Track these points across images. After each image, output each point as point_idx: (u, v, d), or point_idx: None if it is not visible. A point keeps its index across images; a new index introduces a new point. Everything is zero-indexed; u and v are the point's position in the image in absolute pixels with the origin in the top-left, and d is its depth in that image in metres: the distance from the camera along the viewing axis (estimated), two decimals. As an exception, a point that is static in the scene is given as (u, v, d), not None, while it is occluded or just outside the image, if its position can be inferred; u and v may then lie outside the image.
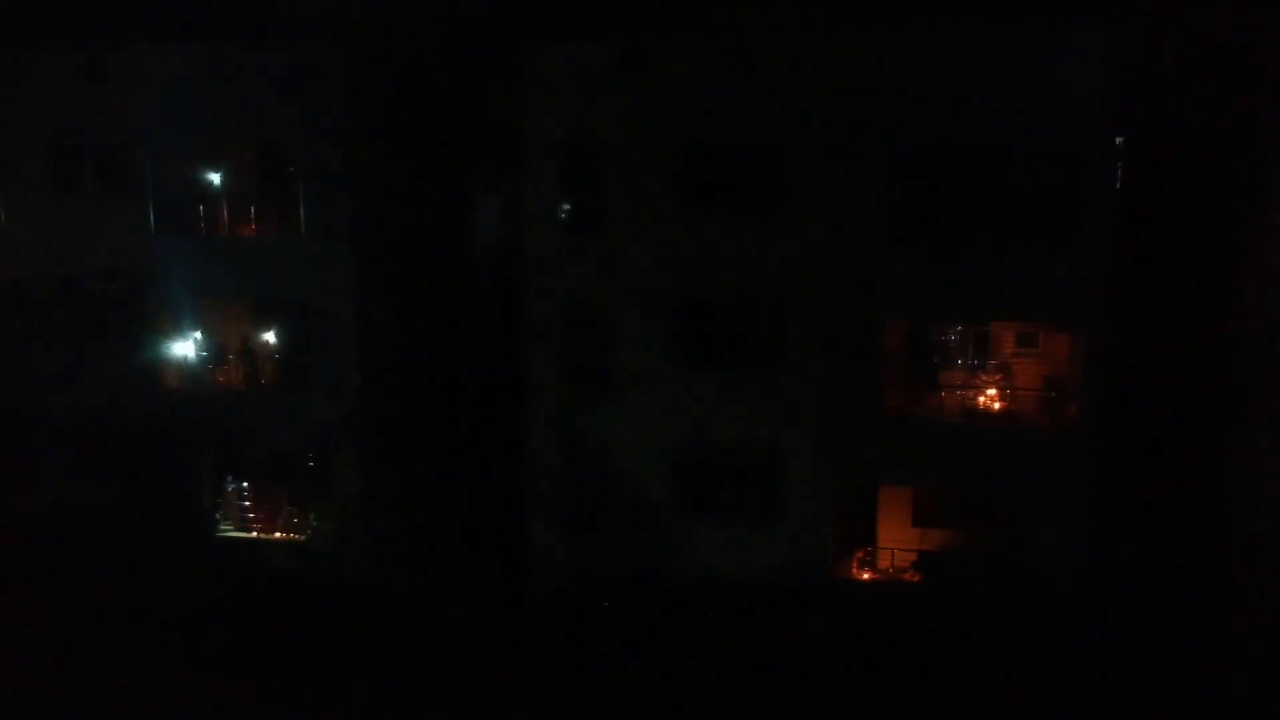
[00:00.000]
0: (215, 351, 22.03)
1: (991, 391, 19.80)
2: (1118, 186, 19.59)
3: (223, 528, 22.34)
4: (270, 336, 22.00)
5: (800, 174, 19.38)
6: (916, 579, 19.98)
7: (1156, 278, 19.00)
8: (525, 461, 21.43)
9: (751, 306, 20.11)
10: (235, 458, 22.17)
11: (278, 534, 22.09)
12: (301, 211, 20.70)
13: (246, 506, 22.32)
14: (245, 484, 22.28)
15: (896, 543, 20.86)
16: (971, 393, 20.03)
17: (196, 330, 21.73)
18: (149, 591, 21.81)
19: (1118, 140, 19.67)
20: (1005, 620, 19.26)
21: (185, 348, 21.59)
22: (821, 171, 19.23)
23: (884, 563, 20.51)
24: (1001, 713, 18.90)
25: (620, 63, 19.75)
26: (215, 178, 21.47)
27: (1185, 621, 19.23)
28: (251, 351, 22.09)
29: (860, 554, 20.62)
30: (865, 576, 20.27)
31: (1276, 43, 17.95)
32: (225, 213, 21.27)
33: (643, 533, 20.98)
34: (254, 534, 22.17)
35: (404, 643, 21.54)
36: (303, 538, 21.94)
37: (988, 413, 19.79)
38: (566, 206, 20.51)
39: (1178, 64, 18.76)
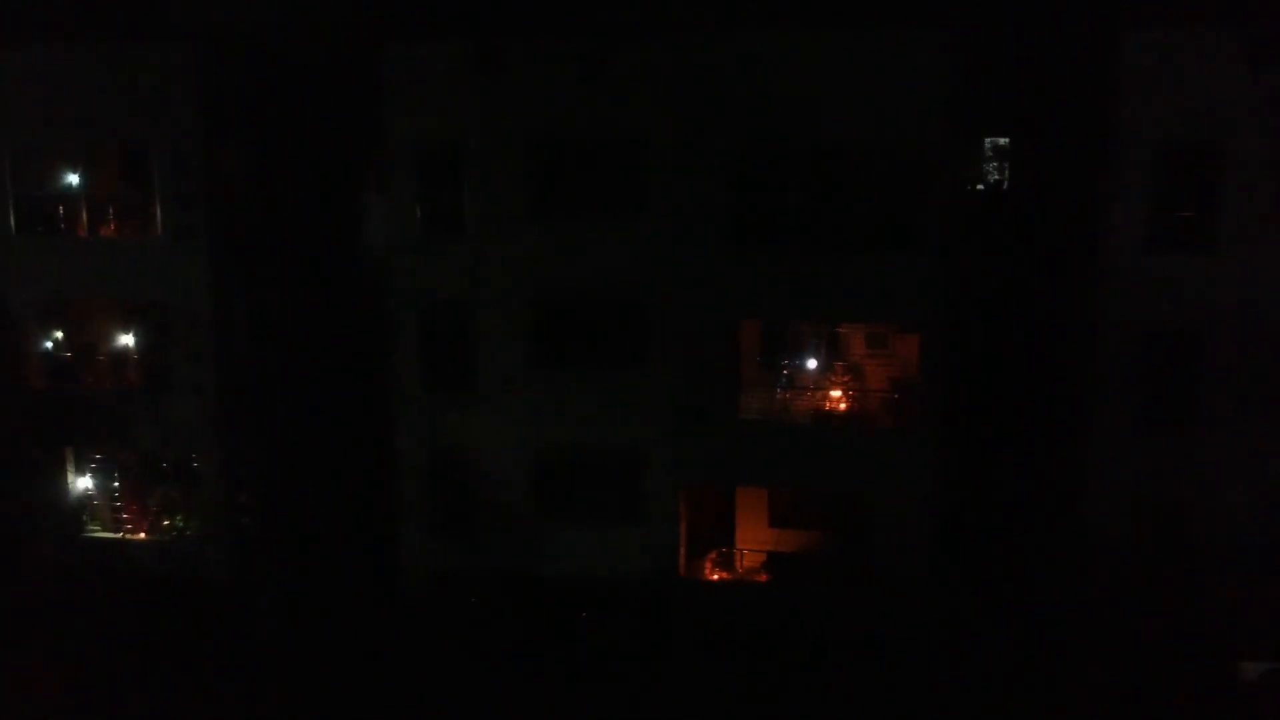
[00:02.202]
0: (79, 352, 22.00)
1: (838, 393, 19.86)
2: (980, 188, 19.74)
3: (90, 528, 22.31)
4: (133, 338, 21.96)
5: (652, 175, 19.46)
6: (765, 579, 20.03)
7: (1003, 278, 19.05)
8: (391, 463, 21.48)
9: (607, 307, 20.16)
10: (104, 458, 22.17)
11: (143, 535, 22.07)
12: (159, 212, 20.69)
13: (117, 507, 22.32)
14: (114, 485, 22.25)
15: (755, 543, 20.96)
16: (822, 394, 20.10)
17: (59, 331, 21.71)
18: (12, 590, 21.77)
19: (1002, 142, 19.89)
20: (851, 619, 19.33)
21: (48, 348, 21.56)
22: (673, 173, 19.30)
23: (739, 563, 20.57)
24: (843, 711, 18.94)
25: (476, 63, 19.80)
26: (75, 178, 21.43)
27: (1031, 617, 19.30)
28: (115, 352, 22.07)
29: (714, 554, 20.67)
30: (716, 577, 20.31)
31: (1120, 43, 18.04)
32: (85, 213, 21.23)
33: (508, 534, 21.03)
34: (121, 535, 22.14)
35: (263, 644, 21.54)
36: (168, 539, 21.93)
37: (838, 414, 19.86)
38: (426, 207, 20.53)
39: (1023, 65, 18.83)
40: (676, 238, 19.46)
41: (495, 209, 20.17)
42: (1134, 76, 17.91)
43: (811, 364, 20.49)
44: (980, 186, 19.92)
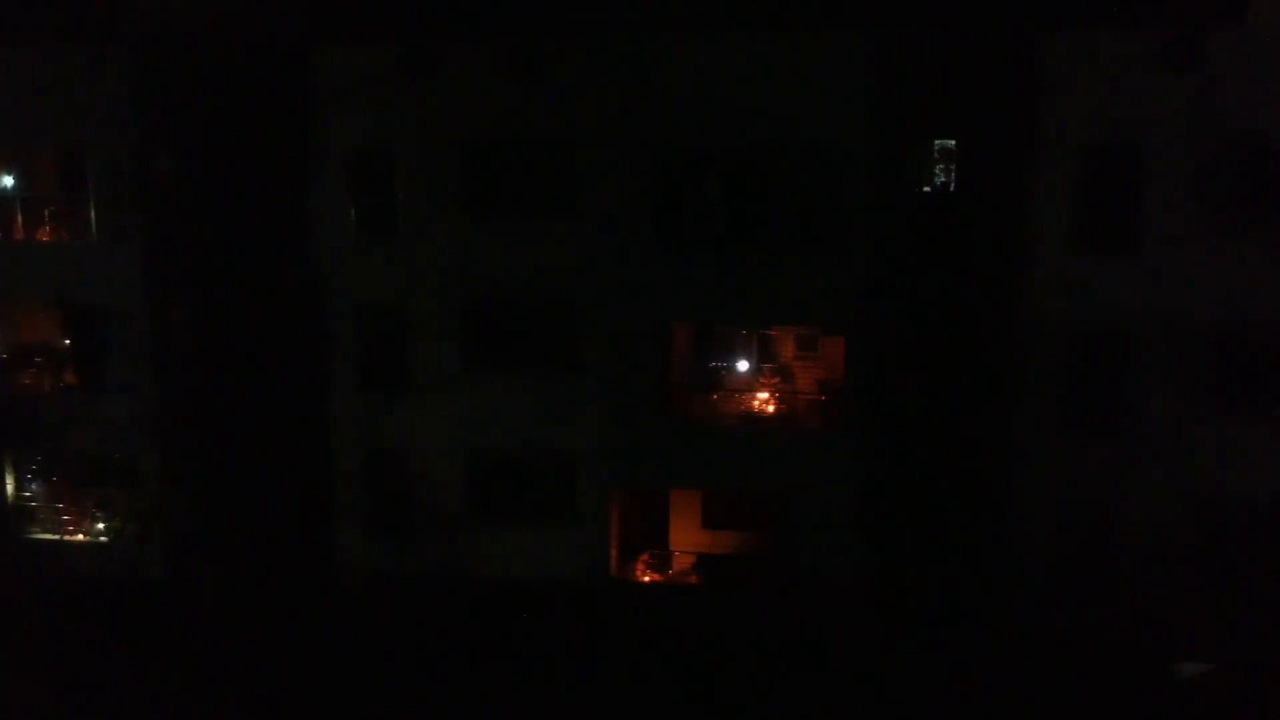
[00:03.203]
0: (16, 354, 22.06)
1: (766, 395, 19.92)
2: (927, 190, 19.76)
3: (30, 529, 22.36)
4: (69, 339, 22.02)
5: (582, 177, 19.49)
6: (695, 580, 20.10)
7: (929, 281, 19.11)
8: (328, 464, 21.54)
9: (540, 309, 20.21)
10: (43, 460, 22.22)
11: (82, 536, 22.13)
12: (93, 214, 20.73)
13: (58, 508, 22.37)
14: (55, 486, 22.31)
15: (689, 544, 21.05)
16: (752, 396, 20.16)
17: (-4, 332, 21.81)
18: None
19: (947, 145, 19.91)
20: (776, 620, 19.40)
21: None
22: (601, 175, 19.34)
23: (672, 565, 20.64)
24: (768, 712, 19.04)
25: (408, 66, 19.83)
26: (10, 181, 21.47)
27: (957, 618, 19.37)
28: (52, 354, 22.12)
29: (646, 556, 20.73)
30: (647, 578, 20.37)
31: (1042, 47, 18.10)
32: (20, 216, 21.26)
33: (444, 535, 21.08)
34: (61, 536, 22.19)
35: (202, 645, 21.60)
36: (107, 540, 21.99)
37: (767, 415, 19.92)
38: (360, 209, 20.57)
39: (949, 68, 18.87)
40: (607, 240, 19.51)
41: (428, 211, 20.22)
42: (1055, 79, 17.97)
43: (743, 366, 20.53)
44: (928, 189, 19.93)
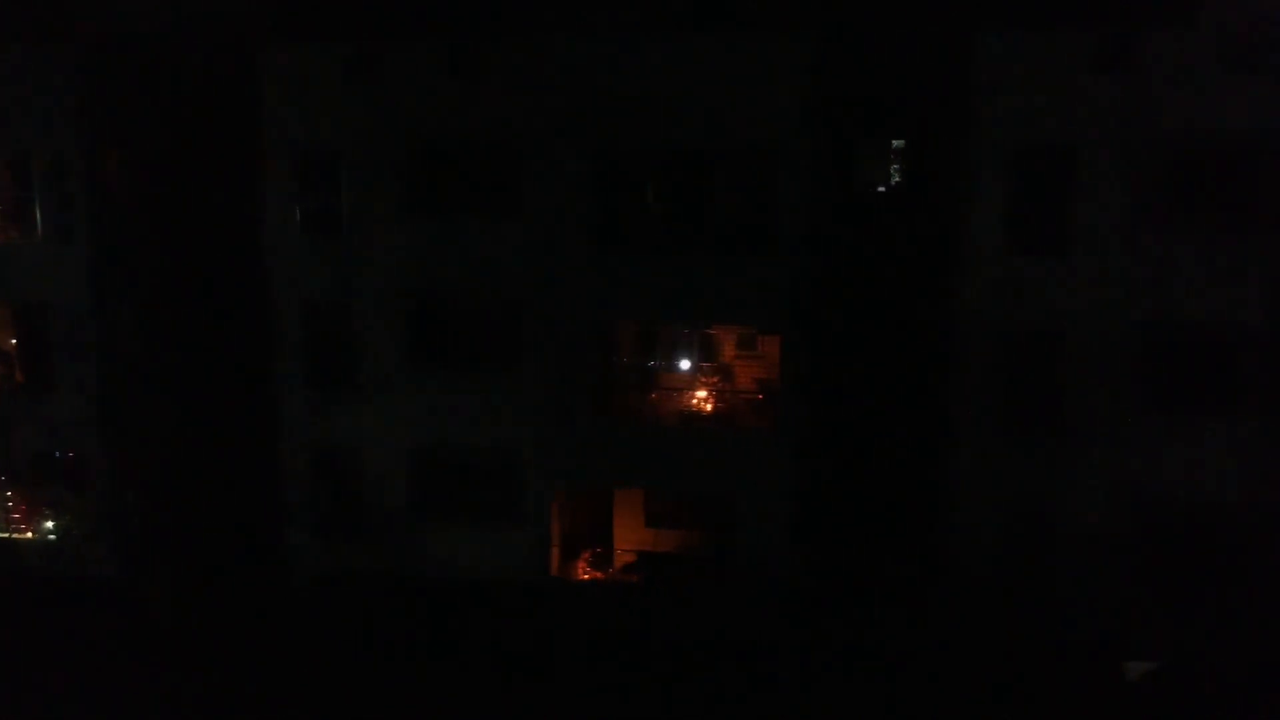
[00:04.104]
0: (-35, 353, 22.19)
1: (705, 394, 19.98)
2: (881, 190, 19.82)
3: (-20, 527, 22.51)
4: (15, 338, 22.11)
5: (523, 177, 19.55)
6: (636, 579, 20.17)
7: (866, 280, 19.17)
8: (276, 463, 21.61)
9: (483, 308, 20.28)
10: (-4, 458, 22.39)
11: (31, 534, 22.24)
12: (39, 214, 20.83)
13: (7, 507, 22.48)
14: (3, 484, 22.41)
15: (632, 543, 21.10)
16: (692, 395, 20.22)
17: (-56, 332, 21.90)
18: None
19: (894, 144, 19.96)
20: (713, 618, 19.46)
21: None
22: (543, 174, 19.39)
23: (615, 563, 20.72)
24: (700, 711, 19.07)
25: (352, 65, 19.90)
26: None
27: (894, 618, 19.42)
28: (2, 353, 22.24)
29: (588, 554, 20.79)
30: (587, 577, 20.43)
31: (975, 47, 18.14)
32: (-34, 217, 21.39)
33: (390, 534, 21.15)
34: (9, 534, 22.31)
35: (151, 643, 21.69)
36: (56, 538, 22.09)
37: (705, 415, 19.98)
38: (306, 208, 20.63)
39: (888, 69, 18.93)
40: (549, 239, 19.57)
41: (373, 209, 20.27)
42: (990, 80, 18.00)
43: (685, 365, 20.59)
44: (866, 190, 19.99)
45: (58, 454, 22.00)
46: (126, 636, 21.80)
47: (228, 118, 21.23)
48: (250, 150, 20.77)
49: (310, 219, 20.63)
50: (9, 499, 22.36)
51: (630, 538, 21.14)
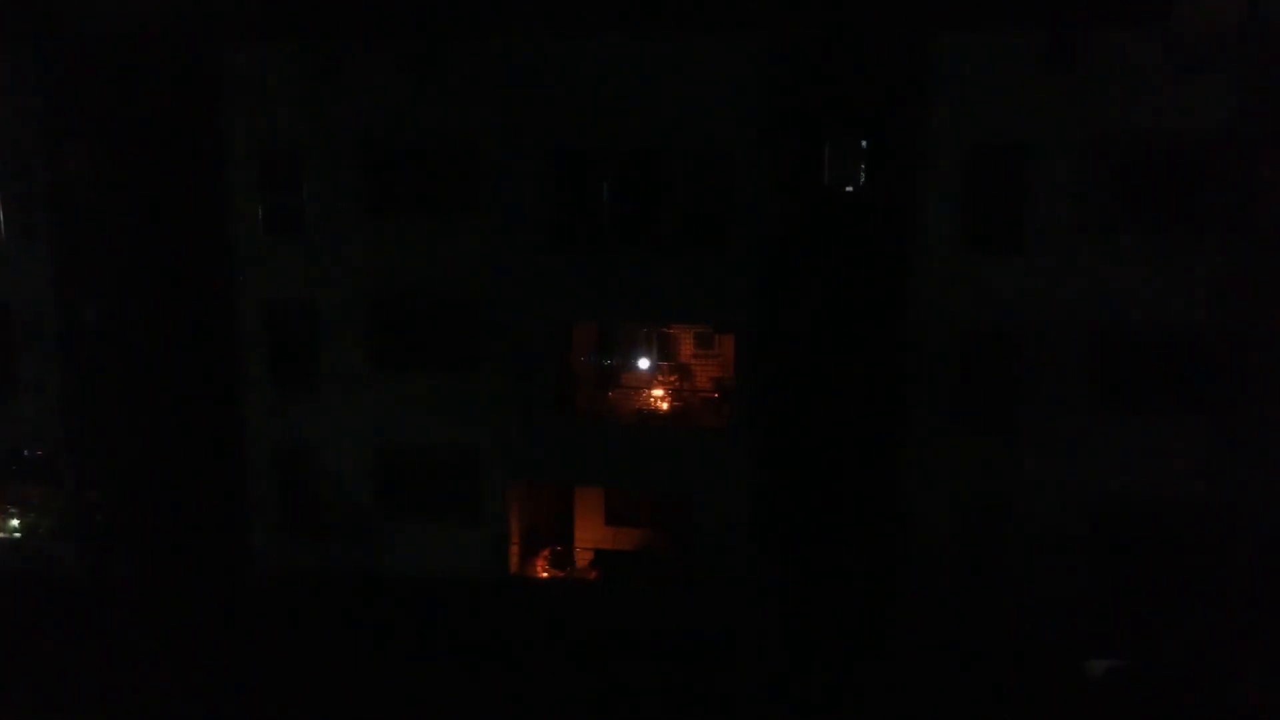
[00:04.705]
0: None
1: (661, 393, 20.06)
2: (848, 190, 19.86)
3: (-53, 525, 22.60)
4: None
5: (482, 177, 19.63)
6: (594, 576, 20.25)
7: (822, 279, 19.24)
8: (240, 461, 21.70)
9: (443, 307, 20.33)
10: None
11: (-1, 532, 22.39)
12: (1, 212, 20.91)
13: (-24, 504, 22.61)
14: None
15: (593, 541, 21.17)
16: (649, 393, 20.30)
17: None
18: None
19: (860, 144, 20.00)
20: (671, 616, 19.53)
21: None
22: (501, 174, 19.47)
23: (575, 561, 20.79)
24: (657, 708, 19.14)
25: (313, 66, 19.99)
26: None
27: (853, 616, 19.49)
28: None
29: (546, 552, 20.88)
30: (546, 575, 20.51)
31: (931, 47, 18.22)
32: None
33: (354, 532, 21.23)
34: (-24, 532, 22.44)
35: (116, 641, 21.76)
36: (20, 536, 22.19)
37: (663, 413, 20.06)
38: (268, 208, 20.71)
39: (844, 69, 19.02)
40: (507, 239, 19.65)
41: (335, 209, 20.35)
42: (944, 80, 18.07)
43: (643, 364, 20.66)
44: (837, 188, 20.05)
45: (25, 452, 22.10)
46: (91, 634, 21.87)
47: (191, 117, 21.30)
48: (213, 149, 20.85)
49: (273, 218, 20.71)
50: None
51: (591, 536, 21.22)
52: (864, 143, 19.08)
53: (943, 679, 19.28)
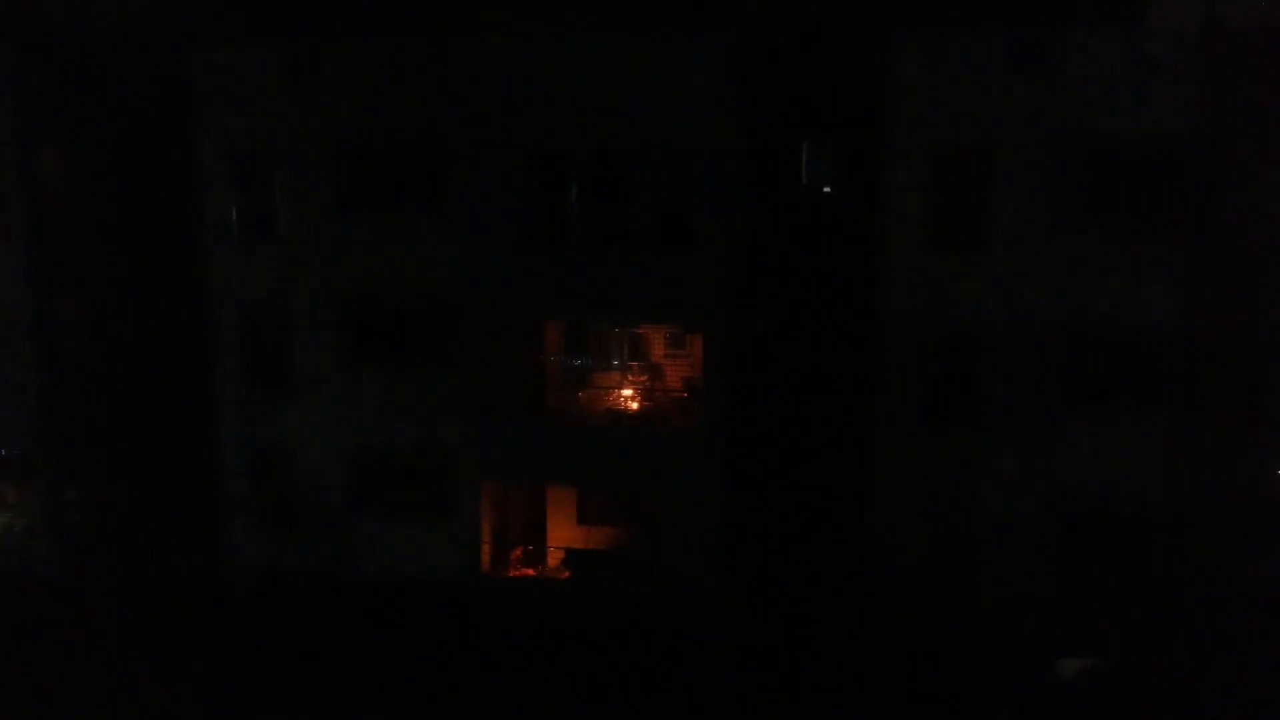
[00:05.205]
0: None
1: (631, 392, 20.14)
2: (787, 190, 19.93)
3: (-80, 523, 22.66)
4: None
5: (452, 178, 19.71)
6: (565, 575, 20.33)
7: (789, 279, 19.33)
8: (215, 461, 21.77)
9: (415, 307, 20.41)
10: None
11: (-30, 531, 22.44)
12: (-28, 212, 21.03)
13: (-49, 503, 22.67)
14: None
15: (565, 540, 21.23)
16: (620, 393, 20.38)
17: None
18: None
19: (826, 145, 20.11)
20: (640, 615, 19.61)
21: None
22: (471, 175, 19.55)
23: (549, 560, 20.88)
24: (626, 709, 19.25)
25: (285, 67, 20.07)
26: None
27: (820, 615, 19.57)
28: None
29: (519, 552, 20.96)
30: (516, 574, 20.59)
31: (896, 49, 18.31)
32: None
33: (327, 532, 21.29)
34: (-50, 530, 22.50)
35: (92, 639, 21.88)
36: (-6, 534, 22.32)
37: (634, 413, 20.14)
38: (242, 208, 20.79)
39: (810, 70, 19.10)
40: (478, 239, 19.73)
41: (307, 209, 20.43)
42: (911, 81, 18.14)
43: (615, 364, 20.74)
44: (788, 190, 20.13)
45: (1, 451, 22.19)
46: (68, 633, 21.99)
47: (165, 118, 21.42)
48: (187, 151, 20.94)
49: (247, 219, 20.79)
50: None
51: (563, 535, 21.29)
52: (831, 144, 19.15)
53: (911, 678, 19.37)
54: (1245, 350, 17.90)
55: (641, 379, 20.41)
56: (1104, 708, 19.19)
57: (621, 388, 20.44)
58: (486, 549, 20.44)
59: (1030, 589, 18.99)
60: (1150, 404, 18.17)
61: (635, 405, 19.98)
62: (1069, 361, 18.39)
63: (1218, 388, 18.00)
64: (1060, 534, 18.80)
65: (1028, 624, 19.07)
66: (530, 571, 20.67)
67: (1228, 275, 17.75)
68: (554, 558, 20.78)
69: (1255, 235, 17.63)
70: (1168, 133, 17.50)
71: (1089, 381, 18.37)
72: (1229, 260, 17.72)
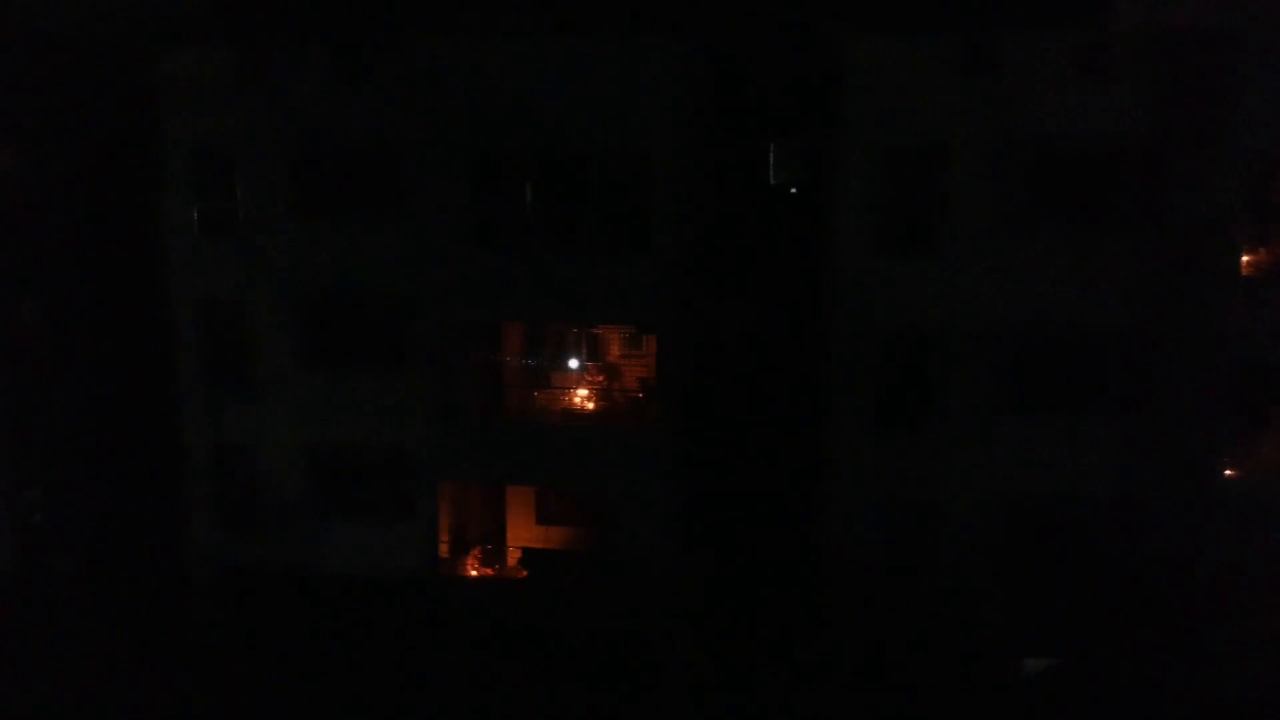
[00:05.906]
0: None
1: (587, 393, 20.22)
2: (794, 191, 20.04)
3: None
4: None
5: (408, 178, 19.77)
6: (523, 575, 20.41)
7: (741, 280, 19.42)
8: (177, 459, 21.81)
9: (373, 307, 20.45)
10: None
11: (-68, 529, 22.44)
12: (-66, 213, 21.06)
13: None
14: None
15: (525, 539, 21.31)
16: (576, 393, 20.47)
17: None
18: None
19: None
20: (595, 615, 19.70)
21: None
22: (427, 176, 19.61)
23: (507, 559, 20.95)
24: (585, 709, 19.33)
25: (242, 68, 20.13)
26: None
27: (772, 617, 19.67)
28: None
29: (477, 551, 21.03)
30: (475, 573, 20.67)
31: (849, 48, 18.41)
32: None
33: (288, 531, 21.34)
34: (-87, 529, 22.50)
35: (50, 637, 21.90)
36: (-43, 532, 22.33)
37: (589, 413, 20.22)
38: (202, 208, 20.83)
39: (754, 71, 19.21)
40: (434, 239, 19.80)
41: (266, 210, 20.48)
42: (863, 82, 18.24)
43: (573, 364, 20.83)
44: (758, 189, 20.23)
45: (-37, 450, 22.24)
46: (29, 632, 22.01)
47: (125, 118, 21.44)
48: (147, 150, 20.98)
49: (207, 219, 20.84)
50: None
51: (523, 535, 21.37)
52: (784, 145, 19.23)
53: (867, 673, 19.47)
54: (1191, 349, 18.04)
55: (598, 379, 20.48)
56: (1060, 707, 19.31)
57: (579, 388, 20.52)
58: (445, 548, 20.51)
59: (984, 585, 19.10)
60: (1099, 403, 18.30)
61: (592, 405, 20.06)
62: (1019, 361, 18.49)
63: (1165, 386, 18.14)
64: (1013, 531, 18.91)
65: (982, 619, 19.19)
66: (489, 571, 20.74)
67: (1174, 276, 17.89)
68: (513, 557, 20.85)
69: (1201, 236, 17.76)
70: (1116, 135, 17.63)
71: (1039, 381, 18.48)
72: (1175, 261, 17.86)
